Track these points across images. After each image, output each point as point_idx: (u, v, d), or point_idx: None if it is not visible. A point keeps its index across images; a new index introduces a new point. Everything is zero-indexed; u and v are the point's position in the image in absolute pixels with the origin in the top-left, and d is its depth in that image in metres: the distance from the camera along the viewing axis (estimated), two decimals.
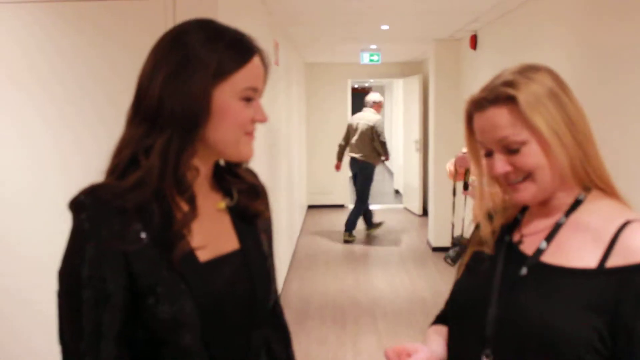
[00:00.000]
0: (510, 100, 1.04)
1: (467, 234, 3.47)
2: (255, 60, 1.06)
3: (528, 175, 1.06)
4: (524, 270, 1.07)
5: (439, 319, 1.29)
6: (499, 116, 1.05)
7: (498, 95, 1.05)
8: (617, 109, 3.01)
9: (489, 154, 1.10)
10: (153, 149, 1.01)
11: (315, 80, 9.96)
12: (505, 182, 1.10)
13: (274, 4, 4.75)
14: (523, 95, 1.03)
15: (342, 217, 8.94)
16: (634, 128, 2.85)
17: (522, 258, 1.09)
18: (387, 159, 7.78)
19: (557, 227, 1.08)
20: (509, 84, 1.05)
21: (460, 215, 3.93)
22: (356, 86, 16.15)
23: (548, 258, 1.06)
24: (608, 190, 1.09)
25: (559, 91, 1.06)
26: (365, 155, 7.55)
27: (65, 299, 0.98)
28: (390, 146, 7.89)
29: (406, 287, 5.68)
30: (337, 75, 10.03)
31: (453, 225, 3.93)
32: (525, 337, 1.00)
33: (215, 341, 1.05)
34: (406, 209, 9.80)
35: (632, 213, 1.05)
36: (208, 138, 1.05)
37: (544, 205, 1.12)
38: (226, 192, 1.16)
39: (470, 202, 3.85)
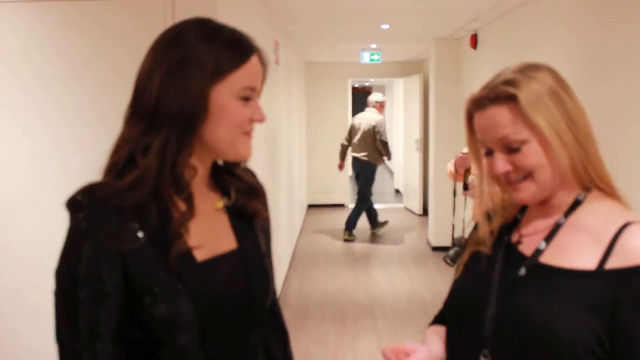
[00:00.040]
0: (510, 99, 1.04)
1: (467, 234, 3.47)
2: (254, 59, 1.06)
3: (528, 175, 1.06)
4: (522, 271, 1.06)
5: (437, 319, 1.28)
6: (500, 115, 1.05)
7: (499, 94, 1.05)
8: (617, 108, 3.00)
9: (489, 153, 1.09)
10: (150, 148, 1.00)
11: (315, 79, 9.96)
12: (505, 182, 1.09)
13: (274, 2, 4.74)
14: (524, 94, 1.03)
15: (342, 217, 8.94)
16: (634, 128, 2.85)
17: (521, 258, 1.09)
18: (389, 158, 7.80)
19: (556, 228, 1.07)
20: (510, 82, 1.05)
21: (460, 216, 3.93)
22: (356, 85, 16.13)
23: (547, 259, 1.05)
24: (608, 191, 1.09)
25: (560, 90, 1.05)
26: (367, 155, 7.57)
27: (62, 298, 0.98)
28: (390, 145, 7.90)
29: (406, 286, 5.68)
30: (338, 75, 10.02)
31: (453, 227, 3.93)
32: (523, 337, 1.00)
33: (212, 341, 1.04)
34: (406, 209, 9.79)
35: (631, 214, 1.04)
36: (206, 137, 1.04)
37: (543, 206, 1.11)
38: (224, 192, 1.15)
39: (470, 202, 3.85)
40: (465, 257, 1.21)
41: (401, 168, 10.61)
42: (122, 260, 0.98)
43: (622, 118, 2.94)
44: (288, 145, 6.46)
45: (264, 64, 1.10)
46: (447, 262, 3.63)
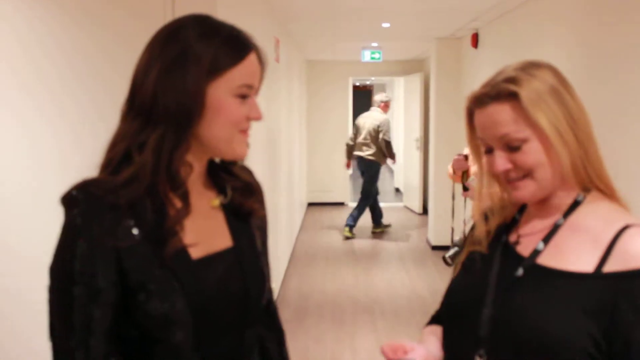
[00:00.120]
0: (512, 97, 1.03)
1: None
2: (252, 57, 1.05)
3: (528, 173, 1.05)
4: (519, 271, 1.06)
5: (434, 319, 1.28)
6: (501, 113, 1.04)
7: (500, 92, 1.04)
8: (617, 108, 3.00)
9: (489, 151, 1.09)
10: (146, 144, 1.00)
11: (316, 77, 9.95)
12: (505, 180, 1.09)
13: (275, 0, 4.74)
14: (525, 92, 1.02)
15: (342, 215, 8.94)
16: (634, 128, 2.85)
17: (519, 259, 1.08)
18: (393, 160, 7.86)
19: (555, 229, 1.07)
20: (511, 80, 1.04)
21: (460, 218, 3.93)
22: (357, 84, 16.13)
23: (545, 260, 1.05)
24: (607, 192, 1.08)
25: (561, 88, 1.05)
26: (371, 154, 7.60)
27: (56, 294, 0.97)
28: (393, 145, 7.94)
29: (405, 285, 5.68)
30: (338, 73, 10.02)
31: (453, 230, 3.93)
32: (519, 338, 1.00)
33: (207, 339, 1.04)
34: (406, 208, 9.79)
35: (631, 217, 1.03)
36: (202, 135, 1.04)
37: (542, 206, 1.11)
38: (220, 190, 1.15)
39: (470, 203, 3.85)
40: (462, 257, 1.20)
41: (401, 167, 10.61)
42: (117, 256, 0.97)
43: (622, 118, 2.94)
44: (288, 143, 6.46)
45: (262, 62, 1.09)
46: (446, 262, 3.63)
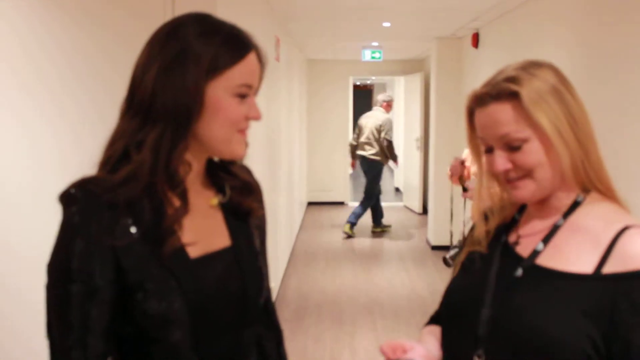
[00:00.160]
0: (513, 96, 1.03)
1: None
2: (251, 56, 1.05)
3: (528, 173, 1.05)
4: (519, 272, 1.05)
5: (433, 320, 1.28)
6: (501, 112, 1.04)
7: (501, 91, 1.04)
8: (617, 108, 3.00)
9: (489, 151, 1.08)
10: (145, 143, 0.99)
11: (316, 76, 9.95)
12: (505, 180, 1.09)
13: None
14: (526, 91, 1.02)
15: (341, 214, 8.94)
16: (634, 128, 2.84)
17: (518, 259, 1.08)
18: (394, 161, 7.89)
19: (554, 229, 1.06)
20: (512, 79, 1.04)
21: (459, 219, 3.93)
22: (358, 83, 16.12)
23: (544, 260, 1.04)
24: (607, 193, 1.07)
25: (562, 88, 1.05)
26: (374, 154, 7.62)
27: (54, 292, 0.97)
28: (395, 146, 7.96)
29: (405, 285, 5.68)
30: (339, 72, 10.01)
31: (452, 234, 3.93)
32: (517, 339, 0.99)
33: (205, 339, 1.04)
34: (406, 207, 9.79)
35: (631, 218, 1.03)
36: (200, 134, 1.03)
37: (542, 206, 1.10)
38: (219, 189, 1.15)
39: (469, 204, 3.86)
40: (462, 257, 1.20)
41: (401, 167, 10.61)
42: (115, 255, 0.97)
43: (623, 118, 2.94)
44: (288, 142, 6.46)
45: (261, 62, 1.08)
46: (446, 263, 3.63)
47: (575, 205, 1.07)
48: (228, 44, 1.03)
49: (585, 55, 3.41)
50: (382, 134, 7.54)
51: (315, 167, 9.90)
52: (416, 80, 9.11)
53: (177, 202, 1.03)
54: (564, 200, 1.08)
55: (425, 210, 8.66)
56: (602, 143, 1.09)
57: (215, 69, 1.01)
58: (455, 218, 4.11)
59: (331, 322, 4.72)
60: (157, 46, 1.03)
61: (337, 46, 8.15)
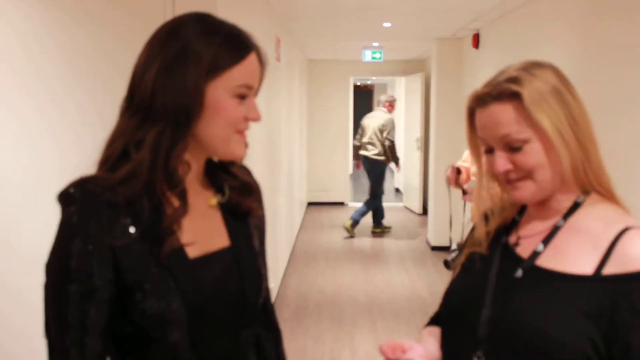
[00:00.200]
0: (514, 97, 1.02)
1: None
2: (252, 57, 1.05)
3: (528, 174, 1.04)
4: (519, 273, 1.05)
5: (433, 321, 1.27)
6: (502, 112, 1.03)
7: (502, 92, 1.04)
8: (618, 107, 3.00)
9: (490, 151, 1.08)
10: (144, 142, 0.99)
11: (317, 77, 9.95)
12: (505, 180, 1.08)
13: None
14: (527, 92, 1.01)
15: (341, 215, 8.94)
16: (635, 127, 2.84)
17: (518, 260, 1.07)
18: (396, 164, 7.92)
19: (554, 230, 1.06)
20: (513, 80, 1.03)
21: (459, 221, 3.93)
22: (358, 84, 16.12)
23: (544, 262, 1.04)
24: (607, 195, 1.07)
25: (563, 89, 1.04)
26: (376, 154, 7.65)
27: (52, 292, 0.97)
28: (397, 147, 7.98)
29: (405, 285, 5.67)
30: (339, 73, 10.01)
31: (451, 240, 3.92)
32: (517, 340, 0.99)
33: (203, 339, 1.03)
34: (406, 208, 9.79)
35: (631, 219, 1.03)
36: (199, 134, 1.03)
37: (542, 207, 1.10)
38: (218, 189, 1.14)
39: (469, 207, 3.86)
40: (462, 258, 1.20)
41: (402, 167, 10.61)
42: (113, 255, 0.97)
43: (624, 117, 2.94)
44: (288, 142, 6.45)
45: (262, 63, 1.08)
46: (447, 266, 3.63)
47: (575, 206, 1.07)
48: (228, 44, 1.02)
49: (586, 55, 3.40)
50: (385, 134, 7.56)
51: (315, 167, 9.90)
52: (417, 81, 9.11)
53: (176, 202, 1.03)
54: (564, 201, 1.07)
55: (425, 211, 8.66)
56: (603, 143, 1.09)
57: (216, 69, 1.00)
58: (454, 220, 4.10)
59: (331, 322, 4.71)
60: (157, 46, 1.02)
61: (337, 46, 8.15)
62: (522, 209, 1.17)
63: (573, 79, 1.09)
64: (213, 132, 1.03)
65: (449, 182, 3.72)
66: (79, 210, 0.96)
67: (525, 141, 1.03)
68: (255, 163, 3.67)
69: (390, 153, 7.63)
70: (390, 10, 5.30)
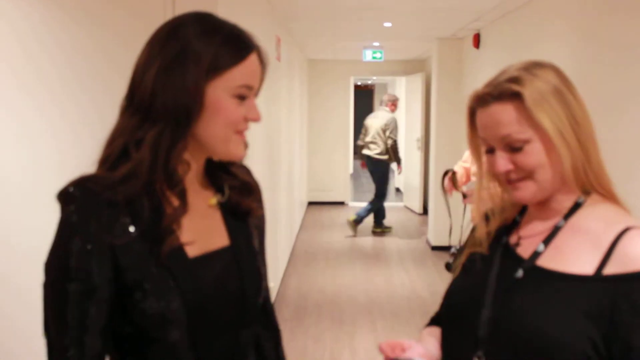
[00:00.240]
0: (515, 97, 1.02)
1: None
2: (253, 57, 1.04)
3: (529, 174, 1.04)
4: (519, 273, 1.05)
5: (434, 321, 1.27)
6: (503, 112, 1.03)
7: (503, 92, 1.03)
8: (619, 107, 2.99)
9: (491, 151, 1.08)
10: (144, 141, 0.99)
11: (317, 76, 9.95)
12: (506, 180, 1.08)
13: None
14: (528, 92, 1.01)
15: (342, 214, 8.94)
16: (636, 126, 2.84)
17: (519, 260, 1.07)
18: (398, 166, 7.95)
19: (555, 230, 1.06)
20: (514, 80, 1.03)
21: (458, 224, 3.93)
22: (359, 83, 16.13)
23: (545, 262, 1.04)
24: (608, 195, 1.07)
25: (564, 89, 1.04)
26: (378, 153, 7.69)
27: (51, 291, 0.97)
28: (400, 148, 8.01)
29: (405, 285, 5.67)
30: (340, 72, 10.01)
31: (451, 247, 3.92)
32: (517, 340, 0.99)
33: (203, 338, 1.03)
34: (406, 207, 9.79)
35: (632, 219, 1.02)
36: (198, 134, 1.03)
37: (543, 208, 1.10)
38: (218, 189, 1.14)
39: (469, 210, 3.86)
40: (463, 258, 1.20)
41: (402, 168, 10.62)
42: (113, 254, 0.97)
43: (625, 116, 2.94)
44: (288, 142, 6.45)
45: (263, 63, 1.07)
46: (448, 268, 3.63)
47: (576, 206, 1.06)
48: (229, 44, 1.02)
49: (588, 54, 3.40)
50: (387, 133, 7.60)
51: (315, 166, 9.90)
52: (417, 81, 9.11)
53: (176, 202, 1.03)
54: (565, 201, 1.07)
55: (425, 211, 8.66)
56: (604, 143, 1.09)
57: (216, 69, 1.00)
58: (455, 221, 4.10)
59: (331, 322, 4.71)
60: (157, 45, 1.02)
61: (338, 46, 8.15)
62: (523, 209, 1.17)
63: (574, 78, 1.09)
64: (212, 132, 1.03)
65: (446, 190, 3.73)
66: (78, 209, 0.96)
67: (526, 141, 1.03)
68: (255, 163, 3.67)
69: (392, 153, 7.66)
70: (391, 10, 5.30)
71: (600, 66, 3.24)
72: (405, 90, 10.32)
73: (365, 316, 4.84)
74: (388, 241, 7.48)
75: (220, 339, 1.06)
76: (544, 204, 1.09)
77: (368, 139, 7.77)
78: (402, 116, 10.59)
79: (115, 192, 0.97)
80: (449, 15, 5.42)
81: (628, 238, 0.97)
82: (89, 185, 0.97)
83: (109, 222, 0.97)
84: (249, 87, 1.04)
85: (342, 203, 10.02)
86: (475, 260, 1.15)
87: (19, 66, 2.56)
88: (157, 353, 1.01)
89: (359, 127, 8.01)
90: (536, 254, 1.05)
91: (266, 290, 1.19)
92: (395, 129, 7.69)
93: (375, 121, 7.77)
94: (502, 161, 1.05)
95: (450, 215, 3.86)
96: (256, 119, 1.07)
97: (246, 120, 1.06)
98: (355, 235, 7.59)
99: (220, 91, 1.01)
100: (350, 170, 8.91)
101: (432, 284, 5.67)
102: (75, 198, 0.96)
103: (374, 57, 8.17)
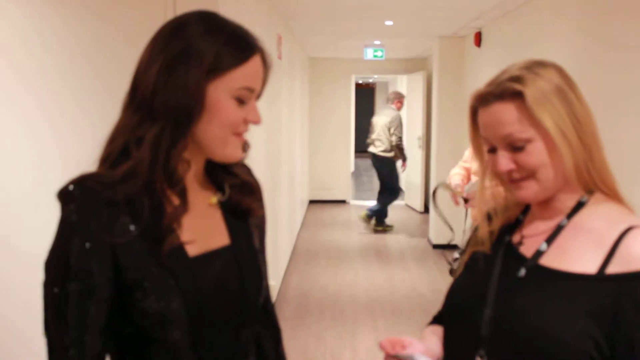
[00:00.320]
0: (516, 96, 1.02)
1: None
2: (256, 59, 1.03)
3: (531, 174, 1.04)
4: (522, 272, 1.05)
5: (436, 320, 1.27)
6: (505, 112, 1.03)
7: (504, 91, 1.03)
8: (621, 106, 2.99)
9: (493, 150, 1.08)
10: (144, 140, 0.99)
11: (318, 75, 9.94)
12: (508, 180, 1.08)
13: None
14: (530, 91, 1.01)
15: (343, 213, 8.94)
16: (637, 126, 2.84)
17: (521, 259, 1.07)
18: (403, 163, 7.99)
19: (558, 229, 1.06)
20: (516, 79, 1.03)
21: (460, 227, 3.93)
22: (360, 82, 16.11)
23: (547, 261, 1.04)
24: (611, 194, 1.07)
25: (567, 88, 1.04)
26: (383, 151, 7.74)
27: (51, 290, 0.96)
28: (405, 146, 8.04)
29: (406, 284, 5.67)
30: (341, 71, 10.01)
31: (450, 257, 3.92)
32: (519, 339, 0.99)
33: (203, 338, 1.03)
34: (407, 206, 9.79)
35: (635, 218, 1.02)
36: (197, 134, 1.02)
37: (545, 207, 1.09)
38: (219, 188, 1.13)
39: (470, 213, 3.86)
40: (465, 257, 1.20)
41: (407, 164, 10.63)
42: (113, 253, 0.97)
43: (627, 115, 2.93)
44: (290, 140, 6.45)
45: (266, 65, 1.06)
46: (452, 273, 3.63)
47: (579, 205, 1.06)
48: (232, 44, 1.01)
49: (589, 53, 3.40)
50: (392, 130, 7.63)
51: (316, 165, 9.90)
52: (418, 79, 9.10)
53: (176, 201, 1.02)
54: (568, 201, 1.07)
55: (426, 209, 8.66)
56: (607, 142, 1.09)
57: (217, 69, 0.99)
58: (455, 223, 4.10)
59: (332, 320, 4.71)
60: (161, 43, 1.01)
61: (339, 44, 8.15)
62: (525, 209, 1.16)
63: (575, 77, 1.09)
64: (211, 133, 1.02)
65: (437, 206, 3.73)
66: (78, 208, 0.95)
67: (528, 141, 1.02)
68: (256, 161, 3.67)
69: (397, 150, 7.70)
70: (392, 9, 5.30)
71: (600, 66, 3.24)
72: (407, 88, 10.30)
73: (366, 314, 4.84)
74: (389, 239, 7.48)
75: (220, 339, 1.06)
76: (546, 203, 1.09)
77: (374, 136, 7.84)
78: (403, 115, 10.58)
79: (115, 191, 0.96)
80: (450, 14, 5.42)
81: (631, 237, 0.97)
82: (89, 184, 0.97)
83: (109, 221, 0.96)
84: (250, 89, 1.03)
85: (343, 201, 10.02)
86: (478, 260, 1.14)
87: (20, 64, 2.56)
88: (158, 353, 1.01)
89: (360, 125, 8.04)
90: (539, 253, 1.05)
91: (266, 289, 1.19)
92: (399, 126, 7.72)
93: (380, 119, 7.83)
94: (504, 160, 1.05)
95: (452, 230, 3.82)
96: (256, 121, 1.06)
97: (246, 122, 1.05)
98: (376, 231, 7.69)
99: (220, 92, 1.00)
100: (352, 168, 8.90)
101: (433, 282, 5.67)
102: (75, 197, 0.96)
103: (375, 56, 8.17)
